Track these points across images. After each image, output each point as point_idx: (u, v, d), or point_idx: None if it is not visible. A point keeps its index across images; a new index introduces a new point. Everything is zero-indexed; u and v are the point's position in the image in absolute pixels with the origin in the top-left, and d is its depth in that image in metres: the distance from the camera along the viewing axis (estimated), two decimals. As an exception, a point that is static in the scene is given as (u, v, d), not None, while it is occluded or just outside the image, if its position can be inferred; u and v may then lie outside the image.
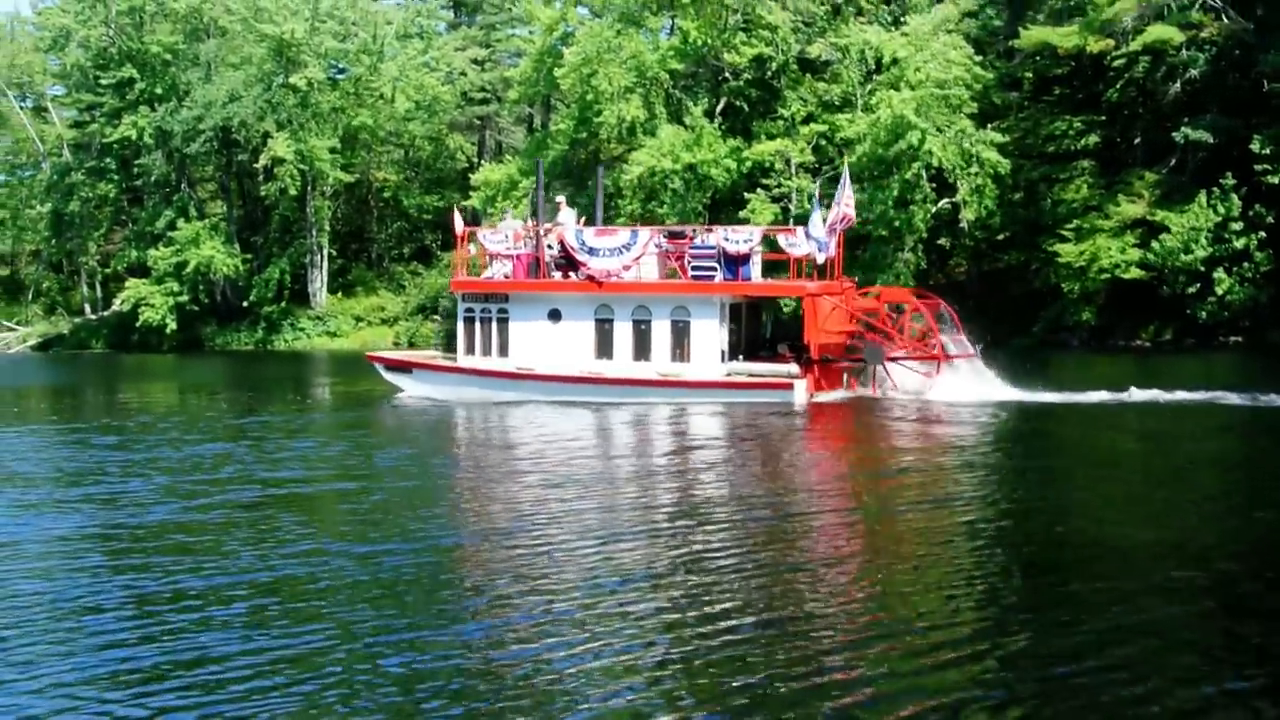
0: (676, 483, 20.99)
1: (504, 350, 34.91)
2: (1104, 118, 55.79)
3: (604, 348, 33.87)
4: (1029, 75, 58.34)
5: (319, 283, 72.27)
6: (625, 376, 33.27)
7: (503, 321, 34.88)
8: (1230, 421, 27.50)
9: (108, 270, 78.73)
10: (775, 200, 56.13)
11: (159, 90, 71.29)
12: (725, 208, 58.89)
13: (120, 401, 40.11)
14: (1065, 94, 57.89)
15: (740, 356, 34.15)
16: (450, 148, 76.83)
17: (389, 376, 37.60)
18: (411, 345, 66.64)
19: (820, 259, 33.88)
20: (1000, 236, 56.94)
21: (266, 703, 9.97)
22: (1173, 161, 52.61)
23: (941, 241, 56.35)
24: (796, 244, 34.45)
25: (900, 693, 10.11)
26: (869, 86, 55.54)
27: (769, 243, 36.49)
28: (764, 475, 21.53)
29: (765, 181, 56.42)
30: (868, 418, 29.55)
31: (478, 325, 35.30)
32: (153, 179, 72.16)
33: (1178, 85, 52.38)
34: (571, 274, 34.47)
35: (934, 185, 53.45)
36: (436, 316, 69.84)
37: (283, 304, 71.21)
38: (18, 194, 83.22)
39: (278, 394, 42.09)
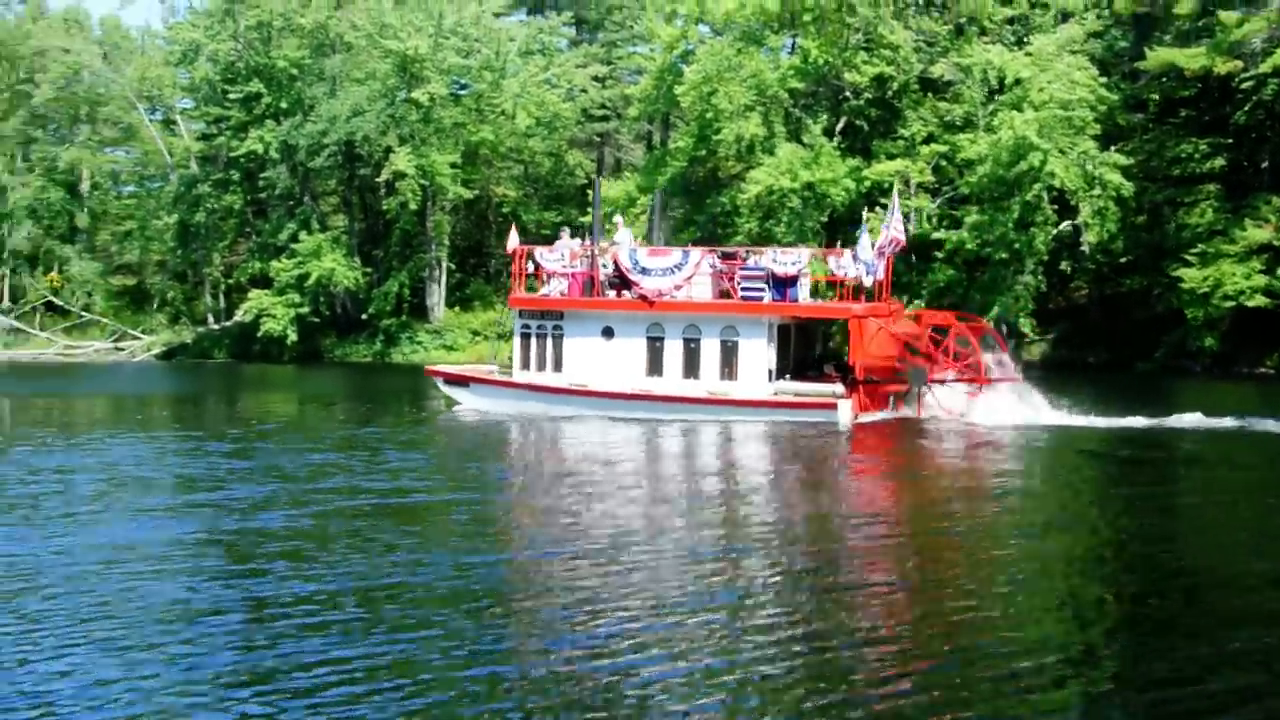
0: (753, 502, 21.60)
1: (558, 366, 35.91)
2: (1231, 140, 55.22)
3: (655, 365, 34.89)
4: (1154, 97, 57.93)
5: (437, 296, 73.31)
6: (675, 394, 34.28)
7: (558, 338, 35.95)
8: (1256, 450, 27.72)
9: (231, 281, 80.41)
10: (894, 220, 56.14)
11: (285, 105, 72.74)
12: (843, 227, 59.00)
13: (240, 411, 41.17)
14: (1191, 116, 57.34)
15: (787, 376, 34.89)
16: (570, 164, 77.56)
17: (447, 390, 38.73)
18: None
19: (868, 281, 34.90)
20: (1122, 260, 56.58)
21: (374, 705, 10.46)
22: (1302, 186, 52.02)
23: (1063, 265, 55.99)
24: (845, 267, 35.40)
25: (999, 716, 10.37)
26: (991, 107, 55.46)
27: (820, 265, 37.16)
28: (835, 497, 22.14)
29: (884, 201, 56.45)
30: (910, 438, 30.34)
31: (534, 341, 36.37)
32: (277, 192, 73.63)
33: (1308, 108, 51.81)
34: (625, 292, 35.51)
35: (1055, 207, 53.31)
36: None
37: (401, 317, 72.34)
38: (146, 205, 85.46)
39: (393, 406, 42.91)
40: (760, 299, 34.41)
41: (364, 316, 72.61)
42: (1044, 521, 19.02)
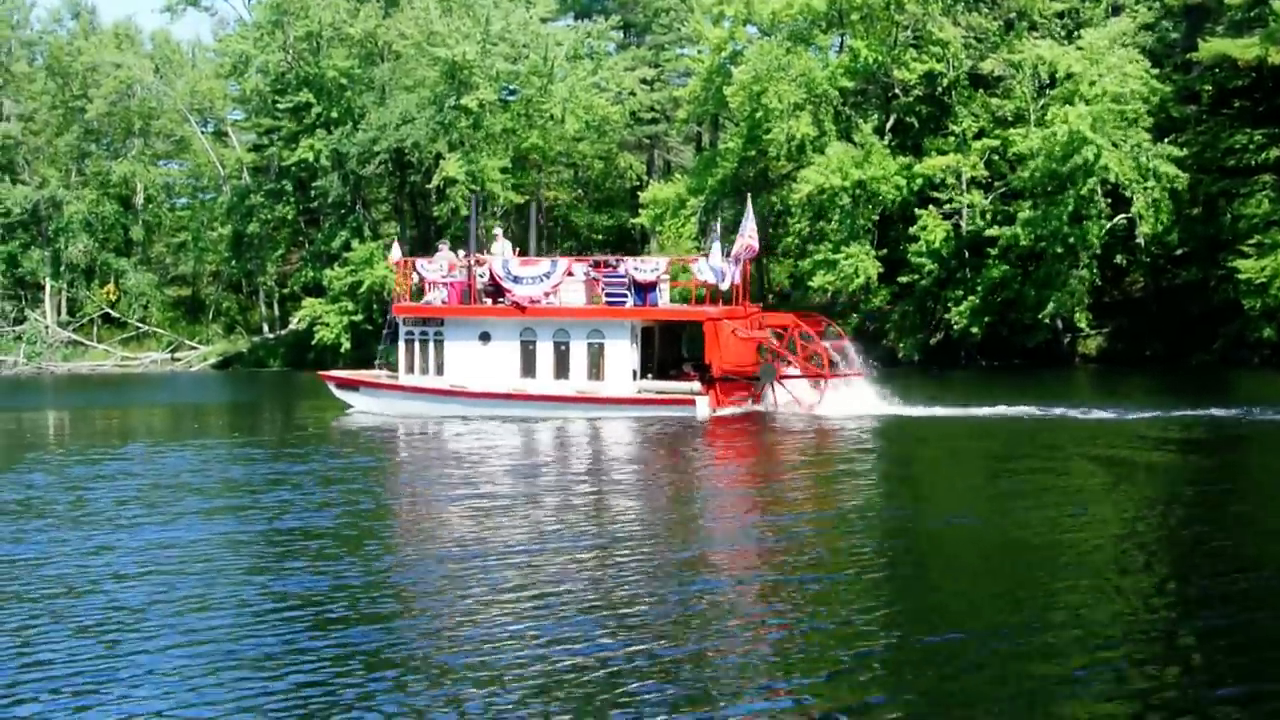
0: (619, 487, 23.22)
1: (440, 369, 38.53)
2: (1286, 130, 54.90)
3: (528, 367, 37.35)
4: (1207, 88, 57.70)
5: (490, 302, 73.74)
6: (547, 393, 36.77)
7: (439, 343, 38.53)
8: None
9: (285, 290, 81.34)
10: (947, 217, 56.21)
11: (335, 114, 73.50)
12: (895, 224, 59.16)
13: (294, 418, 41.78)
14: (1245, 107, 57.03)
15: (650, 375, 37.40)
16: (620, 167, 77.95)
17: (339, 394, 41.44)
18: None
19: (724, 286, 37.09)
20: (1178, 252, 56.42)
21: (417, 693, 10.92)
22: (1359, 175, 51.70)
23: (1117, 259, 55.86)
24: (701, 272, 37.61)
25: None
26: (1042, 101, 55.43)
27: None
28: (690, 479, 23.74)
29: (936, 196, 56.59)
30: (757, 429, 32.87)
31: (417, 346, 38.99)
32: (329, 200, 74.38)
33: (1364, 96, 51.49)
34: (500, 300, 37.99)
35: (1109, 201, 53.15)
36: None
37: (454, 323, 72.77)
38: (199, 216, 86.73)
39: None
40: (623, 304, 36.92)
41: (417, 323, 72.98)
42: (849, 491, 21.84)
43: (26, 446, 33.27)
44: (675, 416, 34.67)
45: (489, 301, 38.40)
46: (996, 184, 56.85)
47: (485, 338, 37.81)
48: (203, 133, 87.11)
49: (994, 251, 55.53)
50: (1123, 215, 53.79)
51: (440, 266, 39.56)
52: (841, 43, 63.46)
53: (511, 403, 36.80)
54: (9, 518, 19.60)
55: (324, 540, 17.49)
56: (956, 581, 14.86)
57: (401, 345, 39.72)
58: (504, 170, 69.73)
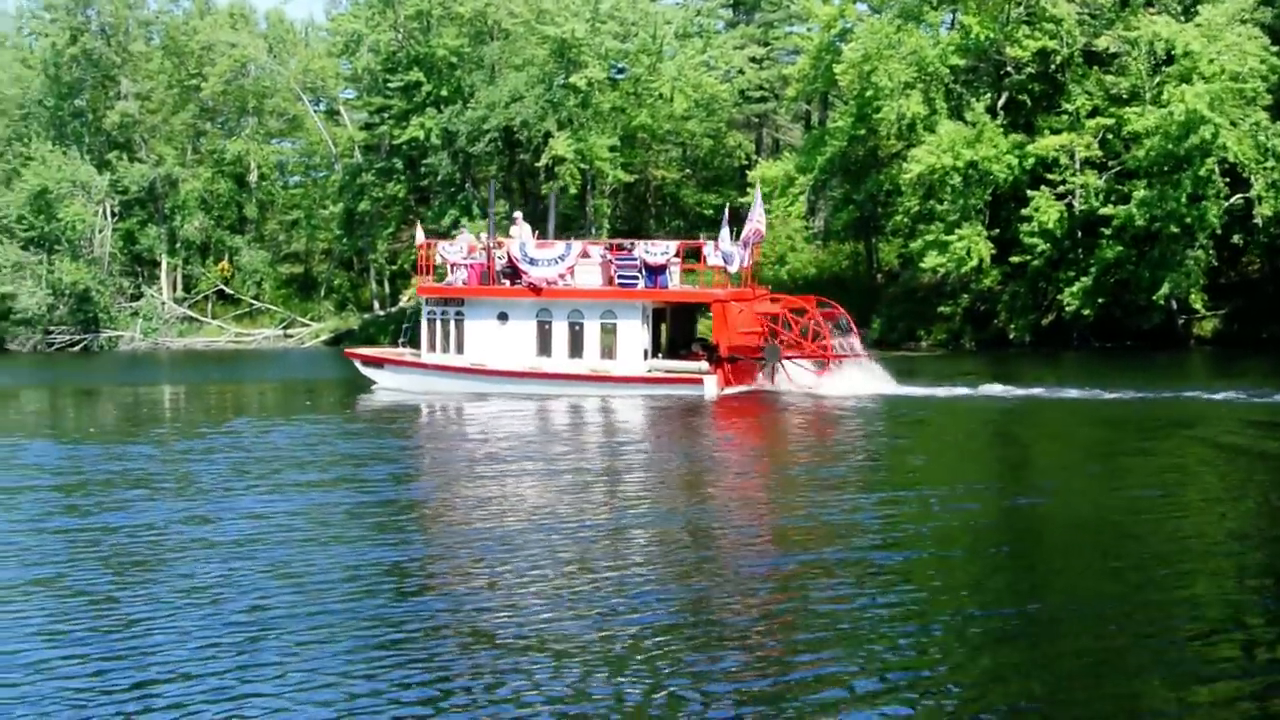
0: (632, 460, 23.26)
1: (460, 348, 40.07)
2: None
3: (544, 346, 38.89)
4: (1330, 65, 56.44)
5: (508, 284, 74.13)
6: (561, 371, 38.37)
7: (459, 322, 40.12)
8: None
9: (395, 267, 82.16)
10: (1060, 197, 55.57)
11: (445, 92, 74.20)
12: (1006, 204, 58.65)
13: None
14: (1368, 83, 55.74)
15: (660, 354, 39.21)
16: (728, 145, 77.89)
17: (365, 371, 43.25)
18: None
19: (732, 269, 39.12)
20: (1298, 233, 55.33)
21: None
22: None
23: (1234, 239, 54.92)
24: (710, 256, 39.55)
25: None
26: (1158, 79, 54.58)
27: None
28: (698, 451, 24.17)
29: (1050, 177, 55.98)
30: (762, 407, 34.83)
31: (438, 325, 40.68)
32: (439, 178, 75.10)
33: None
34: (517, 281, 39.49)
35: (1227, 180, 52.28)
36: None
37: (562, 300, 73.31)
38: (312, 194, 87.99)
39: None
40: (635, 286, 38.38)
41: (525, 301, 73.59)
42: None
43: (142, 421, 34.25)
44: (684, 395, 36.47)
45: (507, 283, 39.81)
46: (1111, 163, 56.10)
47: (503, 317, 39.34)
48: (315, 111, 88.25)
49: (1108, 232, 54.86)
50: (1240, 195, 52.89)
51: (461, 248, 41.11)
52: (953, 19, 63.02)
53: (528, 380, 38.48)
54: (123, 488, 20.34)
55: (394, 512, 18.52)
56: (1045, 559, 15.06)
57: (424, 324, 41.56)
58: (612, 149, 70.01)
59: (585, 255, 39.62)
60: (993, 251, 56.49)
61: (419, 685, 10.49)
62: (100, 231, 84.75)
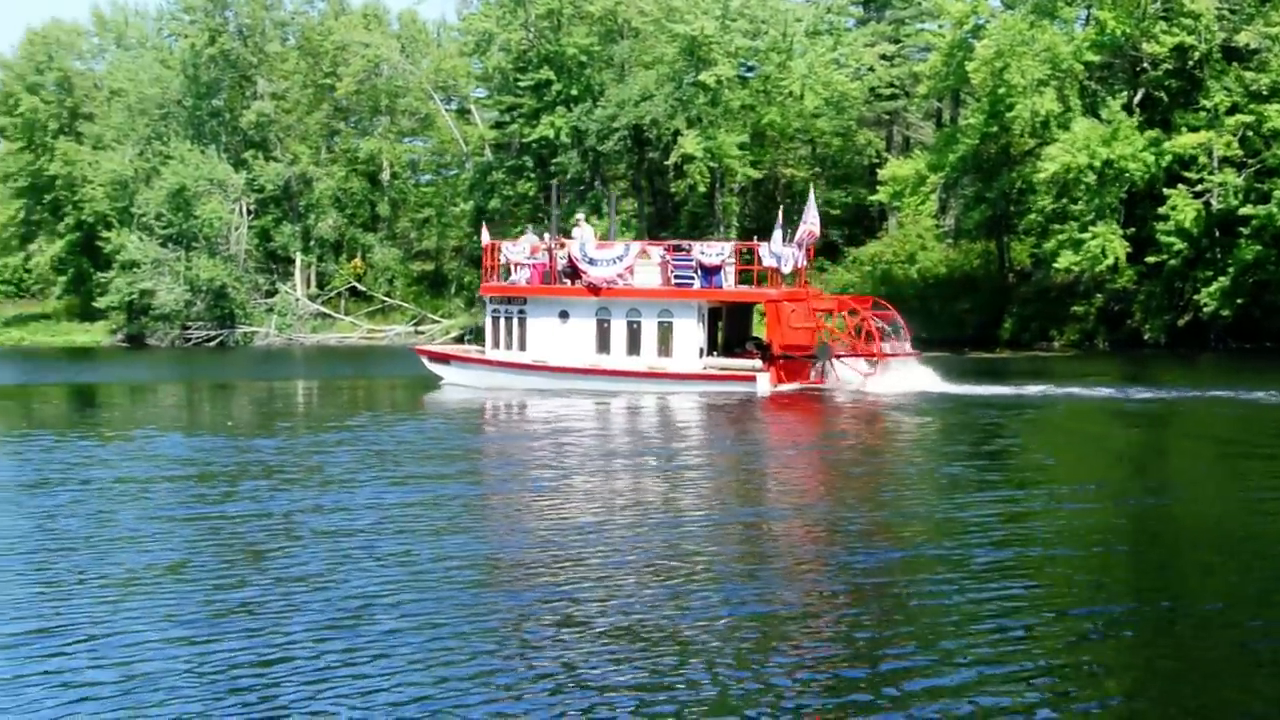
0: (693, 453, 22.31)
1: (523, 345, 41.04)
2: None
3: (603, 344, 39.66)
4: None
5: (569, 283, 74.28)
6: (620, 369, 39.12)
7: (522, 320, 41.03)
8: None
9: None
10: (1197, 195, 54.69)
11: (575, 91, 74.88)
12: (1142, 202, 57.90)
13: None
14: None
15: (716, 352, 40.02)
16: (858, 143, 77.70)
17: (432, 367, 44.35)
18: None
19: (787, 269, 39.99)
20: None
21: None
22: None
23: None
24: (764, 258, 40.34)
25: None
26: (1300, 74, 53.58)
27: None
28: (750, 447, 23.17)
29: (1187, 175, 55.15)
30: (814, 405, 35.46)
31: (502, 323, 41.68)
32: (568, 177, 75.69)
33: None
34: (578, 281, 40.10)
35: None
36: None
37: (689, 299, 73.58)
38: (443, 192, 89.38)
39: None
40: (690, 285, 39.14)
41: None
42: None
43: (274, 415, 35.18)
44: (738, 391, 37.23)
45: (568, 282, 40.48)
46: (1250, 161, 55.14)
47: (564, 316, 40.17)
48: (446, 110, 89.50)
49: (1246, 231, 53.97)
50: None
51: (524, 249, 41.97)
52: (1088, 15, 62.32)
53: (587, 377, 39.24)
54: (250, 479, 21.06)
55: (500, 504, 19.07)
56: (1168, 557, 14.98)
57: (488, 322, 42.73)
58: (741, 146, 70.22)
59: (644, 255, 40.40)
60: (1128, 250, 55.83)
61: (517, 672, 10.77)
62: (236, 229, 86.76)
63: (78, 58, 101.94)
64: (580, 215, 45.39)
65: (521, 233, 45.83)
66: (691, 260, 39.40)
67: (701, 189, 71.19)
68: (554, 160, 76.26)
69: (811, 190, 43.92)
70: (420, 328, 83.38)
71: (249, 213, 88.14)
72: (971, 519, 17.11)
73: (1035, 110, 57.10)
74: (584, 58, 74.97)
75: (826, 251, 79.29)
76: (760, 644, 11.46)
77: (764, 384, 37.33)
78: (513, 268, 42.18)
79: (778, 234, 39.79)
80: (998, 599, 12.92)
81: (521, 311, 40.97)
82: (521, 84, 76.81)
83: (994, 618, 12.22)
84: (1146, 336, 56.97)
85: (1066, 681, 10.46)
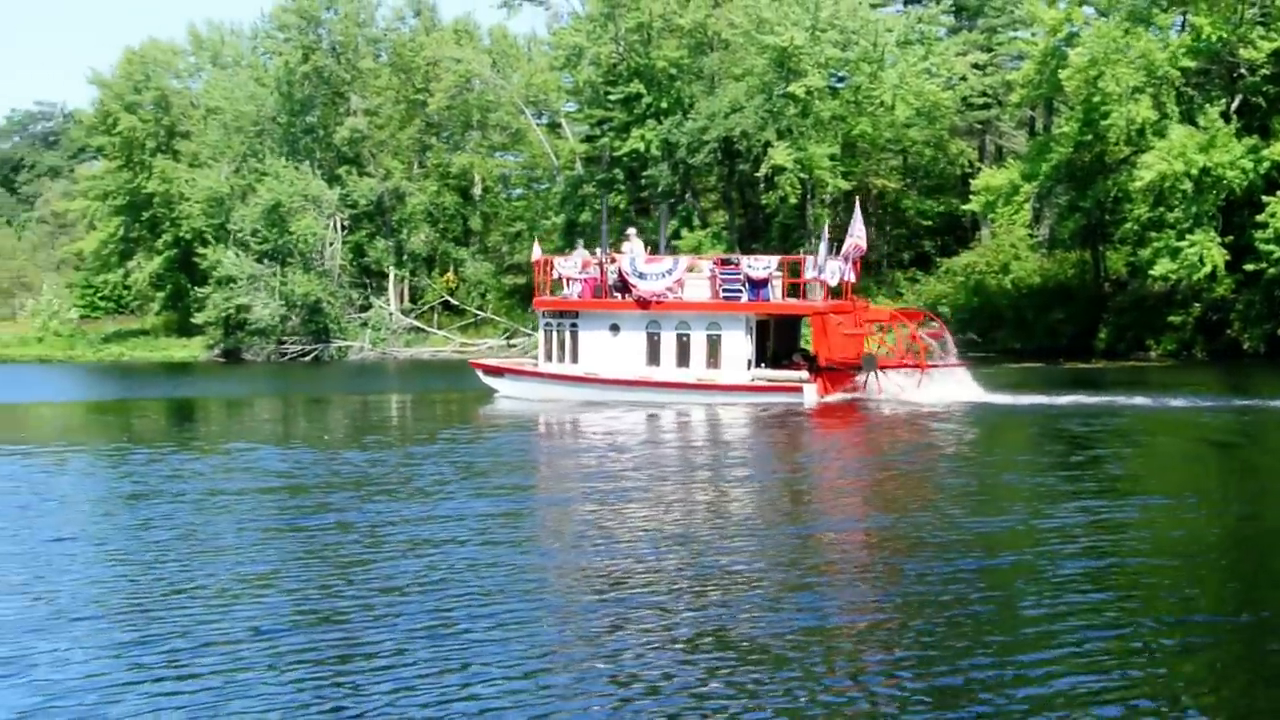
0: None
1: (575, 357, 41.94)
2: None
3: (653, 356, 40.61)
4: None
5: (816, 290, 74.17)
6: (670, 380, 40.06)
7: (574, 333, 41.94)
8: None
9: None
10: (1300, 203, 53.98)
11: (665, 104, 75.19)
12: (1240, 210, 57.22)
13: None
14: None
15: (763, 364, 40.32)
16: (951, 153, 77.40)
17: (486, 380, 45.48)
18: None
19: (833, 282, 40.55)
20: None
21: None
22: None
23: None
24: (809, 270, 41.02)
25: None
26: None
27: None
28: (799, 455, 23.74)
29: (1287, 182, 54.47)
30: (859, 415, 35.82)
31: (554, 336, 42.73)
32: (659, 190, 75.99)
33: None
34: (627, 294, 41.03)
35: None
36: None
37: (781, 311, 73.60)
38: (534, 206, 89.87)
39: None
40: (738, 298, 39.92)
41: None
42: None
43: (368, 428, 35.69)
44: (785, 402, 37.98)
45: (618, 296, 41.31)
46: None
47: (615, 329, 41.08)
48: (537, 124, 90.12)
49: (1350, 239, 53.20)
50: None
51: (575, 264, 42.95)
52: (1183, 21, 61.67)
53: (638, 389, 40.23)
54: (346, 491, 21.45)
55: (582, 516, 19.28)
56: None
57: (541, 335, 44.11)
58: (832, 158, 70.11)
59: (693, 269, 41.20)
60: (1226, 259, 55.19)
61: (611, 680, 10.99)
62: (330, 244, 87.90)
63: (175, 77, 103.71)
64: (631, 230, 46.00)
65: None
66: (739, 274, 40.22)
67: (792, 201, 71.15)
68: (644, 173, 76.60)
69: (858, 205, 44.63)
70: (513, 341, 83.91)
71: (343, 228, 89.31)
72: (1046, 528, 17.20)
73: (1130, 118, 56.63)
74: (674, 70, 75.28)
75: (919, 262, 79.12)
76: (851, 653, 11.59)
77: (810, 395, 38.14)
78: (565, 282, 43.16)
79: (823, 247, 40.49)
80: (1082, 609, 12.99)
81: (573, 325, 41.88)
82: (612, 97, 77.21)
83: (1079, 629, 12.27)
84: (1246, 346, 56.28)
85: (1162, 696, 10.50)
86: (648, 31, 76.02)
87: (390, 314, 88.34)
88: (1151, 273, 57.26)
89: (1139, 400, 35.93)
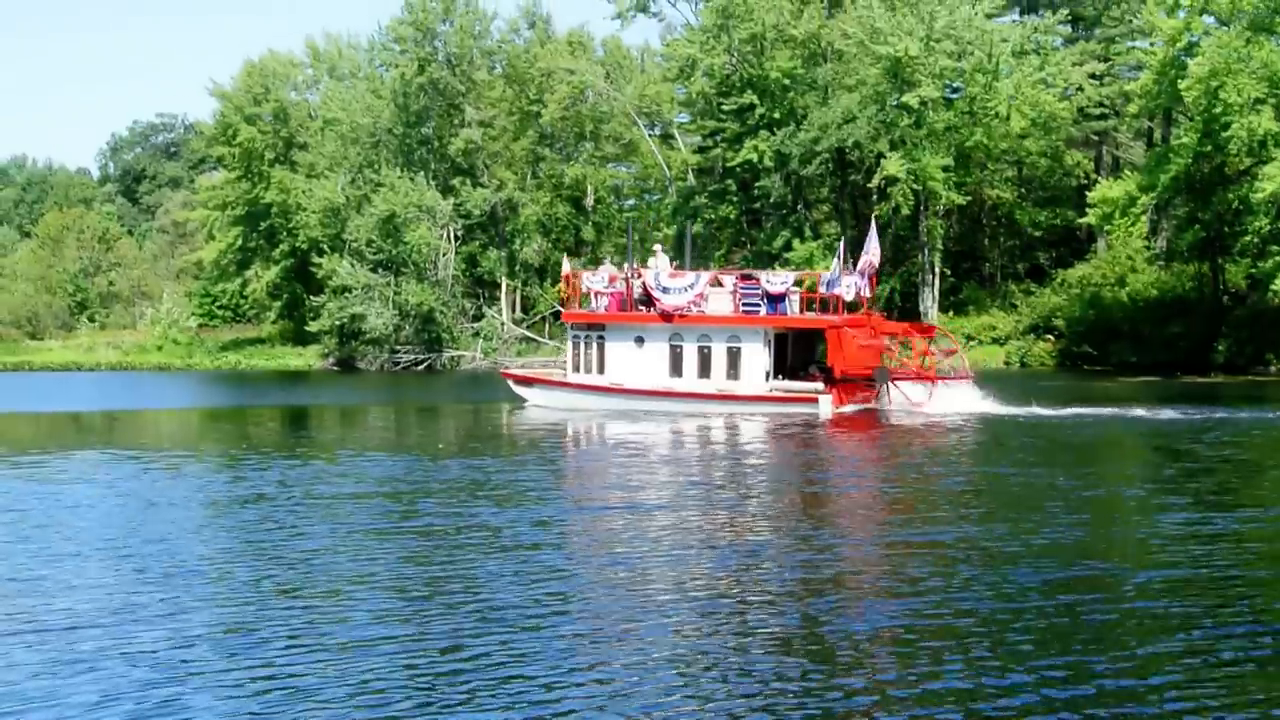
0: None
1: (601, 368, 43.64)
2: None
3: (676, 367, 42.43)
4: None
5: (930, 301, 74.24)
6: (691, 390, 41.82)
7: (600, 345, 43.58)
8: None
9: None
10: None
11: (777, 114, 75.43)
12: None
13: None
14: None
15: (781, 376, 42.18)
16: (1066, 164, 76.91)
17: (517, 389, 47.31)
18: (1023, 365, 67.63)
19: (849, 297, 42.58)
20: None
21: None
22: None
23: None
24: (820, 286, 42.94)
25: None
26: None
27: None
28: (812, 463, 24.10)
29: None
30: (871, 425, 37.24)
31: (582, 348, 44.26)
32: (771, 200, 76.26)
33: None
34: (652, 308, 42.77)
35: None
36: (1049, 336, 70.03)
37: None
38: (646, 217, 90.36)
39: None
40: (757, 312, 41.81)
41: (856, 323, 74.15)
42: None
43: (477, 437, 36.47)
44: (802, 412, 39.62)
45: (644, 309, 43.08)
46: None
47: (640, 341, 42.78)
48: (650, 135, 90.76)
49: None
50: None
51: (603, 279, 44.75)
52: (1307, 30, 60.90)
53: (661, 399, 41.91)
54: (459, 497, 22.10)
55: (632, 523, 19.47)
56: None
57: (569, 347, 45.79)
58: (945, 169, 69.98)
59: (716, 284, 42.88)
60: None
61: (688, 681, 11.36)
62: (444, 254, 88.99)
63: (293, 89, 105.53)
64: (657, 246, 47.45)
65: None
66: (758, 289, 41.94)
67: (905, 211, 71.06)
68: (757, 184, 76.90)
69: (874, 221, 47.35)
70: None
71: (456, 238, 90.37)
72: (1069, 539, 17.37)
73: (1252, 129, 56.12)
74: (787, 81, 75.45)
75: (1033, 274, 78.65)
76: (905, 659, 11.81)
77: (826, 406, 39.82)
78: (593, 296, 44.61)
79: (835, 263, 42.43)
80: (1145, 619, 13.12)
81: (600, 337, 43.56)
82: (724, 108, 77.58)
83: (1151, 638, 12.43)
84: (1370, 361, 55.56)
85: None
86: (761, 42, 76.26)
87: (502, 324, 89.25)
88: (1273, 286, 56.66)
89: (1167, 413, 37.49)
